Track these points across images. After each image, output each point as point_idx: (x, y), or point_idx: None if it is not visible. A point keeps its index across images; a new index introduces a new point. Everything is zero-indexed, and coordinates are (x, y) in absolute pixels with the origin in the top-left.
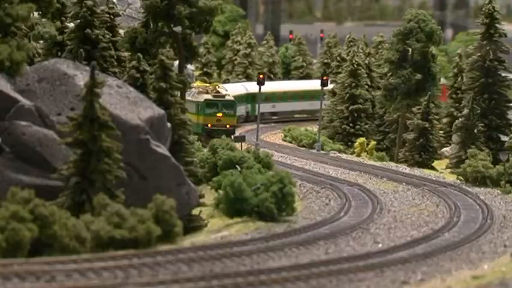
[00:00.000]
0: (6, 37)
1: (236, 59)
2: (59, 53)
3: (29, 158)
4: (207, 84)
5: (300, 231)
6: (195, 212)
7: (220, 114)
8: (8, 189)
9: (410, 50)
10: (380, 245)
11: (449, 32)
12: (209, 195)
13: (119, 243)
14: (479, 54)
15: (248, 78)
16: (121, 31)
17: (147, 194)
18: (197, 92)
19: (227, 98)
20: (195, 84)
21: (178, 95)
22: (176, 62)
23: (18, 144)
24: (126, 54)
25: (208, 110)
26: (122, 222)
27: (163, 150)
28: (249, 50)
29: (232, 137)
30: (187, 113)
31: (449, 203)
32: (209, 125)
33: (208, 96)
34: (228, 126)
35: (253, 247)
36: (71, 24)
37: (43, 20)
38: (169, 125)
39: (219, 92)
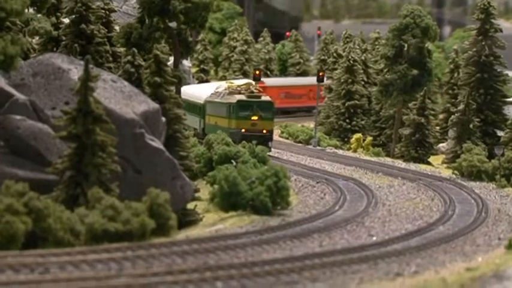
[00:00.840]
0: (1, 31)
1: (233, 56)
2: (54, 49)
3: (24, 151)
4: (239, 83)
5: (295, 225)
6: (190, 206)
7: (255, 118)
8: (2, 182)
9: (406, 45)
10: (374, 238)
11: (447, 30)
12: (204, 190)
13: (113, 236)
14: (474, 49)
15: (245, 75)
16: (116, 27)
17: (141, 187)
18: (228, 93)
19: (263, 98)
20: (224, 84)
21: (174, 90)
22: (172, 58)
23: (12, 138)
24: (121, 49)
25: (242, 112)
26: (116, 215)
27: (157, 144)
28: (245, 46)
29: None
30: (216, 116)
31: (444, 197)
32: (243, 130)
33: (242, 97)
34: (264, 131)
35: (247, 240)
36: (66, 20)
37: (38, 15)
38: (164, 119)
39: (253, 92)
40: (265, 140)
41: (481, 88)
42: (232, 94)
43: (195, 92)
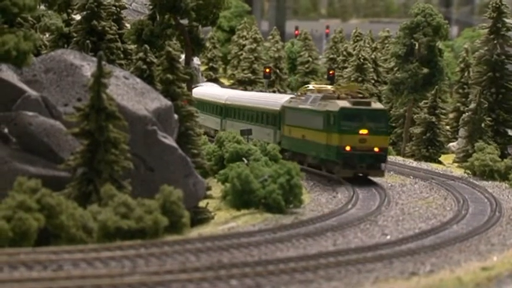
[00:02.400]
0: (12, 27)
1: (242, 54)
2: (66, 45)
3: (36, 148)
4: (339, 86)
5: (308, 223)
6: (202, 204)
7: (365, 131)
8: (15, 179)
9: (417, 44)
10: (388, 237)
11: (454, 29)
12: (216, 188)
13: (125, 233)
14: (486, 48)
15: (254, 73)
16: (127, 24)
17: (153, 185)
18: (322, 97)
19: (374, 105)
20: (310, 86)
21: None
22: (183, 55)
23: (24, 134)
24: (132, 46)
25: (347, 124)
26: (129, 213)
27: (170, 141)
28: (254, 45)
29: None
30: (303, 128)
31: (457, 196)
32: (347, 148)
33: (345, 104)
34: (376, 149)
35: (261, 238)
36: (77, 17)
37: (49, 11)
38: (176, 116)
39: (361, 98)
40: (378, 161)
41: (493, 87)
42: (330, 100)
43: (262, 97)
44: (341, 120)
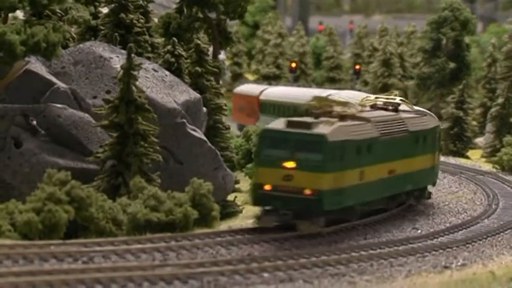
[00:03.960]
0: (41, 19)
1: (266, 49)
2: (93, 38)
3: (64, 140)
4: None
5: None
6: (230, 197)
7: (291, 165)
8: (44, 171)
9: (444, 38)
10: (419, 231)
11: (479, 25)
12: (243, 182)
13: (155, 226)
14: None
15: (278, 68)
16: (154, 18)
17: (183, 178)
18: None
19: (317, 129)
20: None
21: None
22: (211, 49)
23: (53, 126)
24: (159, 40)
25: (269, 153)
26: (158, 205)
27: (199, 134)
28: (279, 40)
29: None
30: None
31: (487, 190)
32: (267, 187)
33: (277, 125)
34: (307, 192)
35: (292, 232)
36: (104, 10)
37: (77, 4)
38: (205, 109)
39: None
40: (309, 207)
41: None
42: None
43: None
44: (263, 147)
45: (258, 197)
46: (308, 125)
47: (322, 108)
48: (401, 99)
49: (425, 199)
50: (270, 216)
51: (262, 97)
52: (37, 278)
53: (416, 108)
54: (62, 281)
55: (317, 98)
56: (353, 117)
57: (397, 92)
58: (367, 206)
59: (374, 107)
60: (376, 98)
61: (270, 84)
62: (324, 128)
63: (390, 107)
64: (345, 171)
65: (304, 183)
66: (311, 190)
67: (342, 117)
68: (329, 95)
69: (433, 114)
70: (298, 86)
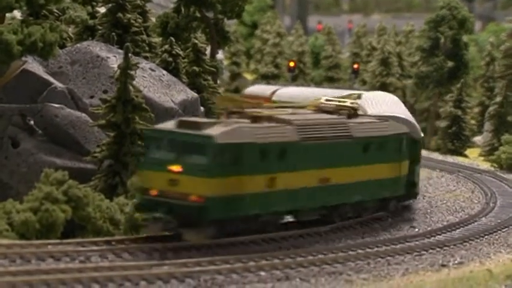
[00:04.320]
0: (38, 19)
1: (265, 49)
2: (90, 38)
3: (61, 140)
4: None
5: None
6: None
7: (177, 168)
8: (41, 171)
9: (442, 37)
10: (416, 230)
11: (477, 24)
12: None
13: None
14: None
15: (277, 67)
16: (152, 18)
17: None
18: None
19: (207, 130)
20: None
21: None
22: (208, 48)
23: (50, 126)
24: (157, 40)
25: (155, 156)
26: None
27: None
28: (278, 39)
29: None
30: None
31: (485, 189)
32: (153, 193)
33: (167, 125)
34: (193, 198)
35: (290, 231)
36: (102, 9)
37: (74, 4)
38: (202, 109)
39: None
40: (196, 215)
41: None
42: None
43: None
44: (149, 149)
45: (142, 202)
46: (198, 126)
47: (234, 108)
48: (352, 103)
49: (388, 212)
50: (157, 223)
51: (274, 98)
52: (34, 278)
53: (389, 113)
54: (59, 280)
55: (220, 98)
56: (270, 118)
57: (358, 94)
58: (289, 216)
59: (320, 109)
60: (327, 100)
61: (268, 83)
62: (214, 129)
63: (345, 110)
64: (242, 177)
65: (189, 189)
66: (197, 196)
67: (255, 118)
68: (360, 95)
69: (409, 119)
70: (315, 86)
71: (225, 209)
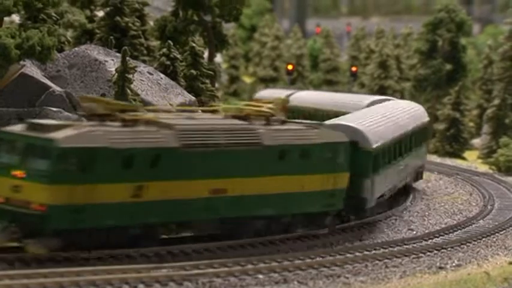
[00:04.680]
0: (36, 23)
1: (263, 52)
2: (88, 42)
3: None
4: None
5: None
6: None
7: (20, 173)
8: None
9: (440, 40)
10: (414, 232)
11: (476, 27)
12: None
13: None
14: (510, 43)
15: (276, 70)
16: (150, 22)
17: None
18: None
19: (56, 133)
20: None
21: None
22: (206, 52)
23: None
24: (155, 43)
25: (1, 160)
26: None
27: None
28: (276, 42)
29: None
30: None
31: (483, 191)
32: None
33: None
34: (35, 206)
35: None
36: (100, 13)
37: (72, 8)
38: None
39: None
40: (40, 225)
41: None
42: None
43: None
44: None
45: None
46: (45, 128)
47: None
48: (269, 108)
49: (320, 228)
50: (5, 233)
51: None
52: (32, 281)
53: (330, 122)
54: (56, 283)
55: (82, 98)
56: (148, 122)
57: (283, 99)
58: (165, 228)
59: (231, 115)
60: (246, 105)
61: (268, 86)
62: (60, 133)
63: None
64: (93, 185)
65: (32, 196)
66: (38, 204)
67: (129, 122)
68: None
69: (351, 126)
70: (333, 91)
71: (71, 219)
